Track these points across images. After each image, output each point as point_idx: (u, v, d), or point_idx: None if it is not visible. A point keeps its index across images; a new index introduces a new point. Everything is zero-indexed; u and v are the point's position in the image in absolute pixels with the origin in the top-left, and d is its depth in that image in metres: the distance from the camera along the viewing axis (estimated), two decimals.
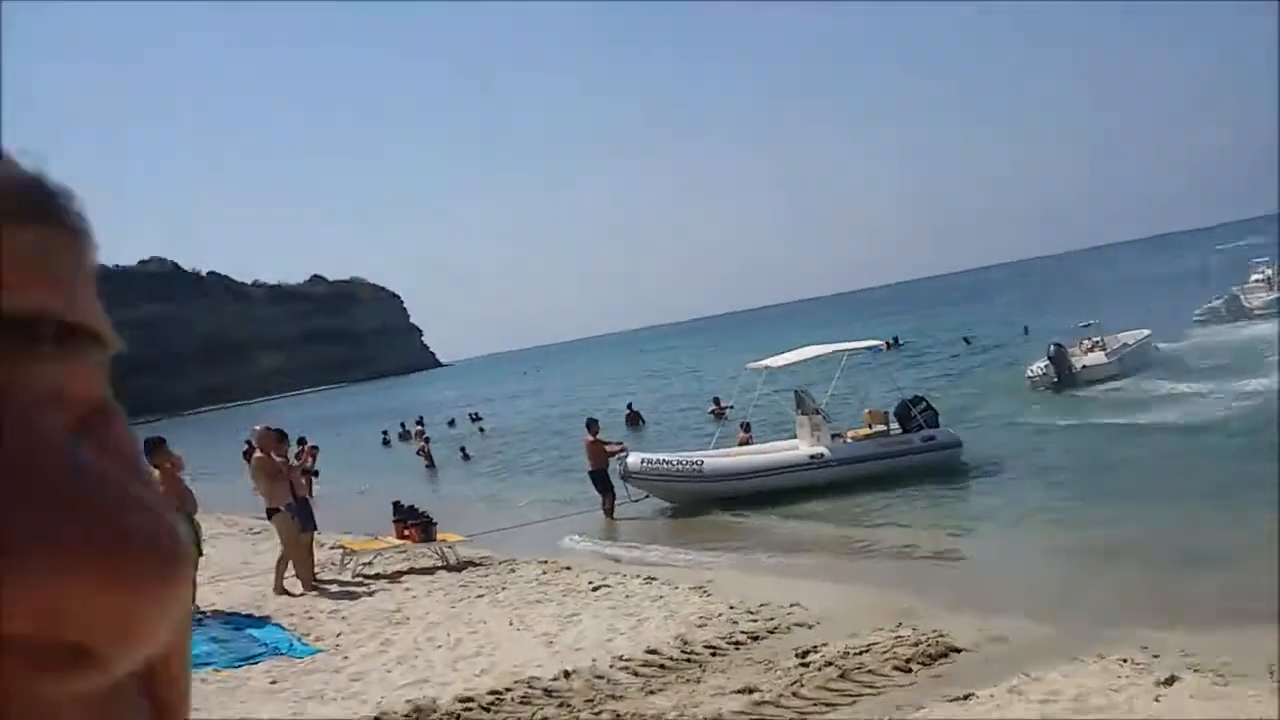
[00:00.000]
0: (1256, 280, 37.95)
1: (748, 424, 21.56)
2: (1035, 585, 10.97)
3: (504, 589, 12.43)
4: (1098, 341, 27.56)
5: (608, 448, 18.51)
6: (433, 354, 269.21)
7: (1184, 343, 32.70)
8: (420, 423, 45.03)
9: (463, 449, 33.34)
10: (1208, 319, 36.50)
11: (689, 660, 9.23)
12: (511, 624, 10.82)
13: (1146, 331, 29.61)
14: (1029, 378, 26.81)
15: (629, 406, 34.09)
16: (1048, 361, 26.42)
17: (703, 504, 17.49)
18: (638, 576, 12.53)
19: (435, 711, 8.23)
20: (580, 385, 65.44)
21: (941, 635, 9.03)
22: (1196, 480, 14.11)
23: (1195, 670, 7.52)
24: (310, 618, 11.57)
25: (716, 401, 30.23)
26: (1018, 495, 15.19)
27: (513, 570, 13.45)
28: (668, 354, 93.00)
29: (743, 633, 9.86)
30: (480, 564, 14.05)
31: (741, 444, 20.42)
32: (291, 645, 10.22)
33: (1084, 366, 26.11)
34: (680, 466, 18.10)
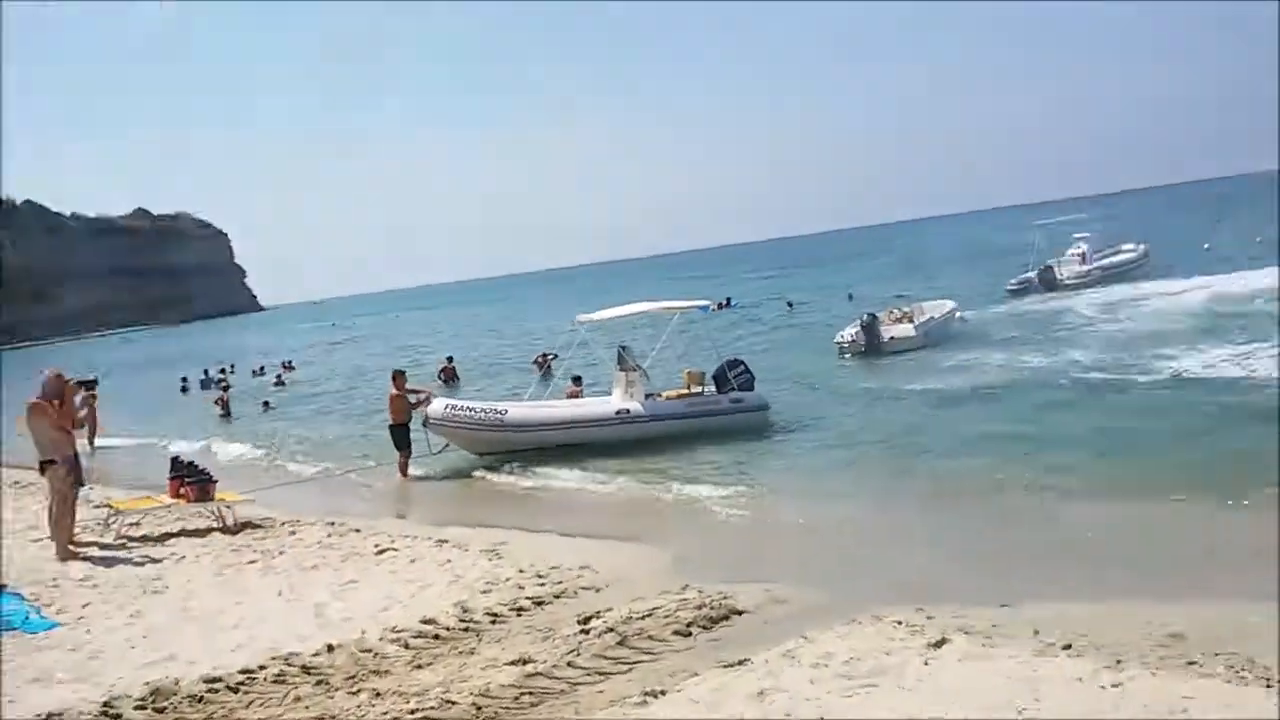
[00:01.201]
0: (1073, 254, 40.08)
1: (579, 377, 21.21)
2: (821, 549, 10.95)
3: (280, 553, 11.63)
4: (906, 312, 28.39)
5: (412, 398, 17.84)
6: (254, 297, 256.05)
7: (999, 309, 34.27)
8: (224, 371, 43.01)
9: (265, 401, 31.94)
10: (1022, 289, 38.25)
11: (466, 629, 8.75)
12: (281, 593, 10.08)
13: (951, 304, 30.72)
14: (838, 344, 27.41)
15: (448, 360, 33.11)
16: (859, 329, 27.14)
17: (506, 460, 17.06)
18: (429, 539, 11.96)
19: (175, 694, 7.45)
20: (412, 336, 63.85)
21: (725, 597, 8.85)
22: (971, 450, 14.52)
23: (965, 633, 7.52)
24: (56, 586, 10.49)
25: (543, 356, 29.70)
26: (816, 461, 15.29)
27: (294, 533, 12.64)
28: (505, 305, 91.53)
29: (528, 598, 9.46)
30: (261, 526, 13.16)
31: (571, 397, 20.12)
32: (26, 619, 9.19)
33: (891, 337, 26.90)
34: (483, 415, 17.61)
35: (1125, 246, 43.85)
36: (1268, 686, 6.00)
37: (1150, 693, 6.06)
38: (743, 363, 19.41)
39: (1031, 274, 38.72)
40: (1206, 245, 48.42)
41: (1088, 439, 14.41)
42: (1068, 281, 37.63)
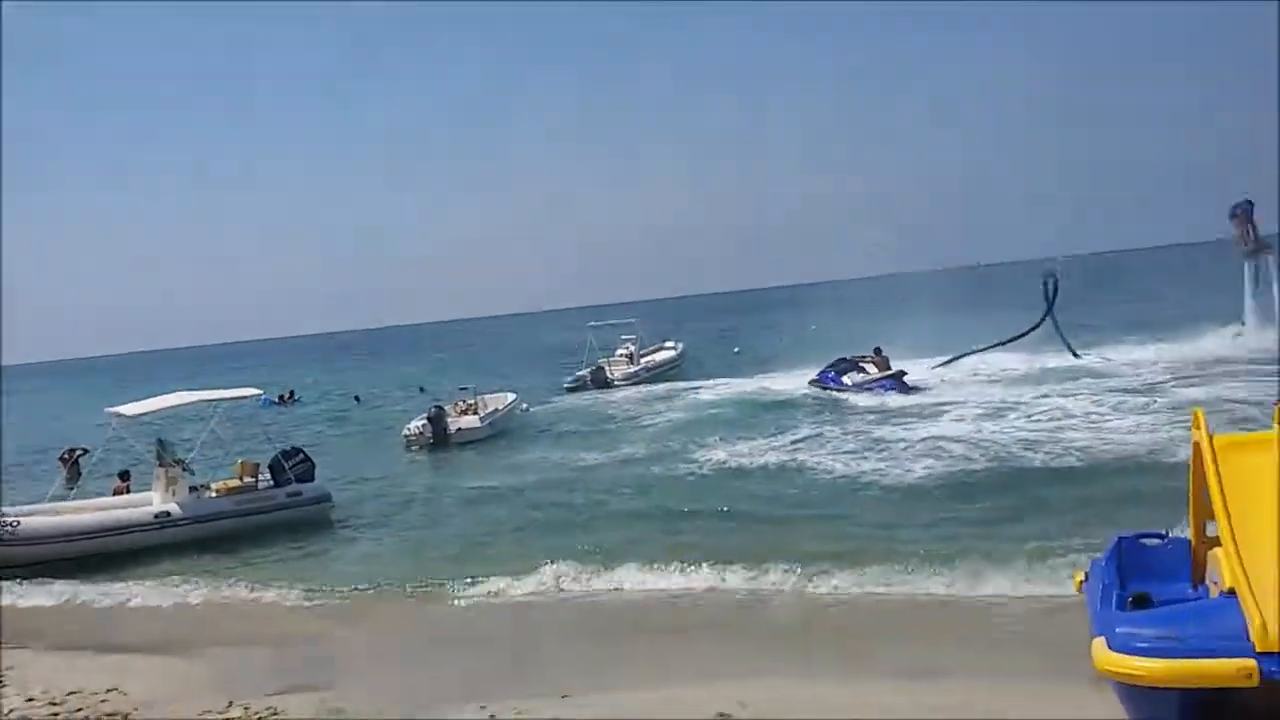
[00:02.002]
0: (621, 354, 43.18)
1: (126, 472, 19.05)
2: (382, 650, 10.56)
3: None
4: (472, 404, 28.96)
5: None
6: None
7: (554, 404, 35.87)
8: None
9: None
10: (577, 386, 40.44)
11: None
12: None
13: (513, 396, 31.87)
14: (406, 436, 27.34)
15: None
16: (426, 422, 27.25)
17: (20, 571, 14.86)
18: None
19: None
20: None
21: (275, 713, 8.22)
22: (531, 543, 14.74)
23: None
24: None
25: (70, 452, 26.37)
26: (379, 560, 14.80)
27: None
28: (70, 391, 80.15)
29: None
30: None
31: (117, 493, 18.08)
32: None
33: (459, 429, 27.32)
34: None
35: (666, 345, 47.98)
36: None
37: None
38: (301, 451, 18.55)
39: (585, 372, 41.14)
40: (736, 349, 54.32)
41: (647, 524, 15.30)
42: (618, 379, 40.37)
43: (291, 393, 48.32)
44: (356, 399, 44.47)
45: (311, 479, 17.96)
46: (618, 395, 36.95)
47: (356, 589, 13.06)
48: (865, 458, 19.07)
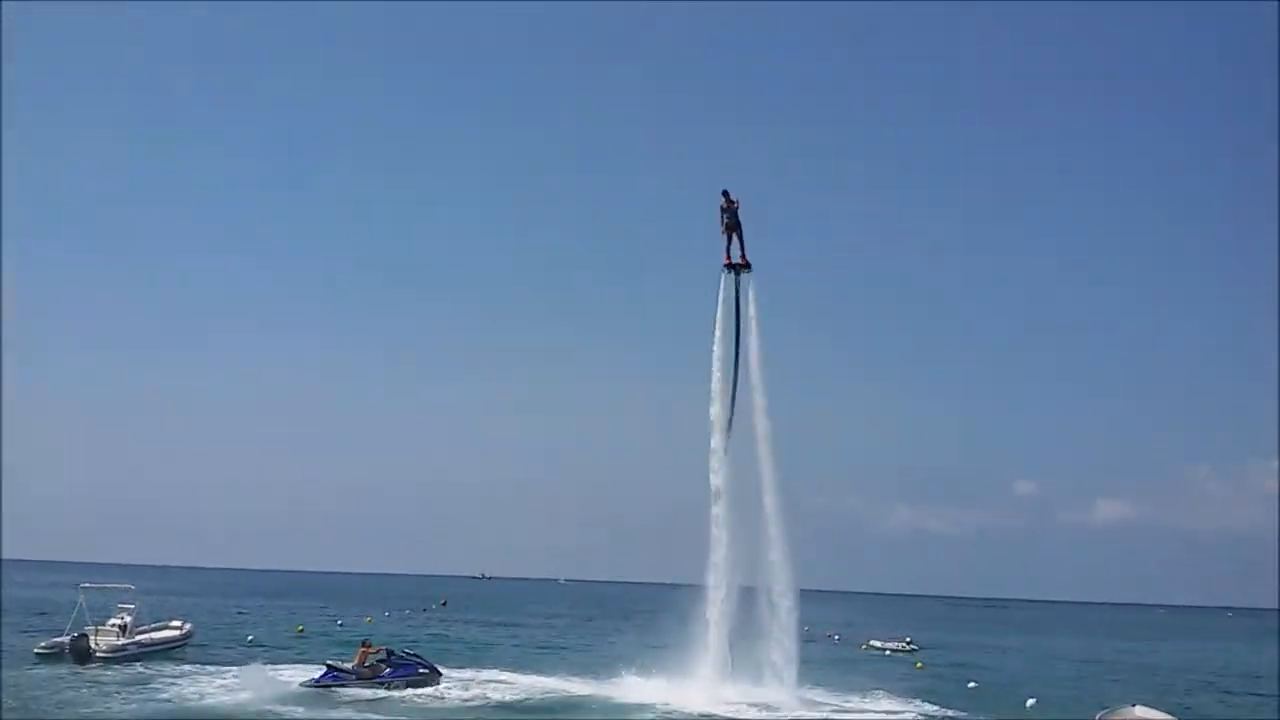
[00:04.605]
0: (114, 624, 38.19)
1: None
2: None
3: None
4: None
5: None
6: None
7: (14, 674, 31.43)
8: None
9: None
10: (53, 653, 35.64)
11: None
12: None
13: None
14: None
15: None
16: None
17: None
18: None
19: None
20: None
21: None
22: None
23: None
24: None
25: None
26: None
27: None
28: None
29: None
30: None
31: None
32: None
33: None
34: None
35: (173, 623, 43.71)
36: None
37: None
38: None
39: (65, 639, 36.28)
40: (251, 637, 50.55)
41: None
42: (102, 653, 35.78)
43: None
44: None
45: None
46: (94, 672, 32.80)
47: None
48: None
